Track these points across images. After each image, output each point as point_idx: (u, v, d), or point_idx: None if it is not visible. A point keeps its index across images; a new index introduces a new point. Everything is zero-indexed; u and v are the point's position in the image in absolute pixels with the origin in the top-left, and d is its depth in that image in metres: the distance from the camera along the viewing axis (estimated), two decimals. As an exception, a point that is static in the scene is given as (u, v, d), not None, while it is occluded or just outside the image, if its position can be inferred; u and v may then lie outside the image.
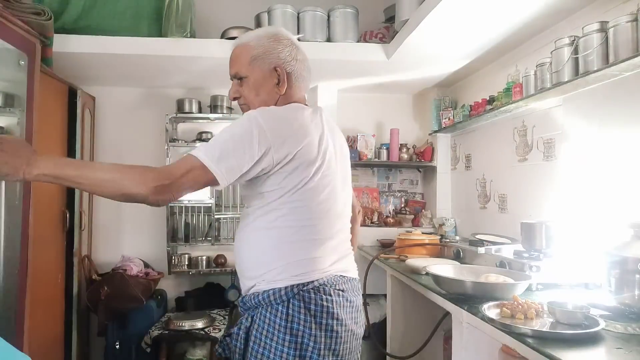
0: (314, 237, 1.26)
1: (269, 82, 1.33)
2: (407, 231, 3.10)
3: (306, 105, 1.38)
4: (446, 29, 2.33)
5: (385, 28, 3.01)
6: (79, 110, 3.02)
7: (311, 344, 1.20)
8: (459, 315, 1.61)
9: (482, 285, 1.66)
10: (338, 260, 1.31)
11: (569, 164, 2.13)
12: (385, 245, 3.15)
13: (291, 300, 1.22)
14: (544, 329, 1.27)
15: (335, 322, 1.23)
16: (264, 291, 1.24)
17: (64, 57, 2.65)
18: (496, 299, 1.54)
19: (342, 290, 1.28)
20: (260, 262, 1.27)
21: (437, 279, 1.78)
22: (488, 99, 2.68)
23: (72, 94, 3.01)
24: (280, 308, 1.22)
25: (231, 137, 1.17)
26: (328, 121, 1.37)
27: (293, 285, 1.22)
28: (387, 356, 2.76)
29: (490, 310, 1.44)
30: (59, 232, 2.82)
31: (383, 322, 3.00)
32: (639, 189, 1.72)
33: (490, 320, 1.37)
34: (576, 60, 1.84)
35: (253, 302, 1.27)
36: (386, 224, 3.47)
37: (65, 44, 2.59)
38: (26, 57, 2.18)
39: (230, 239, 3.44)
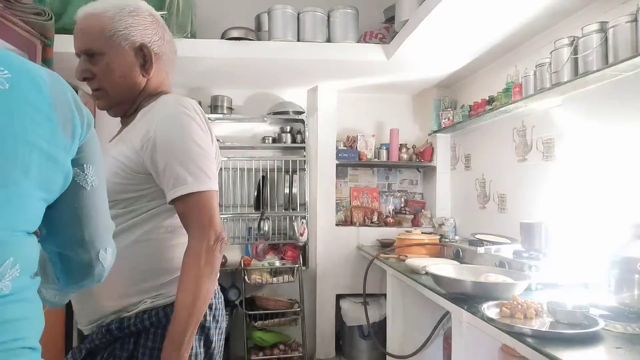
0: None
1: (132, 62, 1.10)
2: (407, 231, 3.10)
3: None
4: (446, 29, 2.34)
5: (385, 28, 3.01)
6: (79, 111, 3.02)
7: (215, 350, 1.12)
8: (459, 315, 1.61)
9: (481, 285, 1.66)
10: None
11: (569, 164, 2.14)
12: (385, 245, 3.15)
13: None
14: (544, 329, 1.27)
15: (224, 324, 1.18)
16: (165, 306, 1.05)
17: (65, 57, 2.62)
18: (496, 298, 1.54)
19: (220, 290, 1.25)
20: (159, 270, 1.07)
21: (437, 278, 1.78)
22: (488, 99, 2.68)
23: (72, 94, 3.01)
24: None
25: (195, 145, 1.03)
26: None
27: None
28: (387, 356, 2.77)
29: (490, 310, 1.44)
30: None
31: (383, 322, 3.00)
32: (638, 189, 1.73)
33: (490, 320, 1.37)
34: (575, 60, 1.84)
35: (145, 323, 1.04)
36: (386, 224, 3.48)
37: (66, 45, 2.56)
38: (27, 57, 2.18)
39: (230, 239, 3.44)
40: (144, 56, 1.11)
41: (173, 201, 1.03)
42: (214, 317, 1.13)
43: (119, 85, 1.11)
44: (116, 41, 1.08)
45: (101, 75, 1.10)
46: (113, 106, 1.15)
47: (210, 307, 1.12)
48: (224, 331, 1.18)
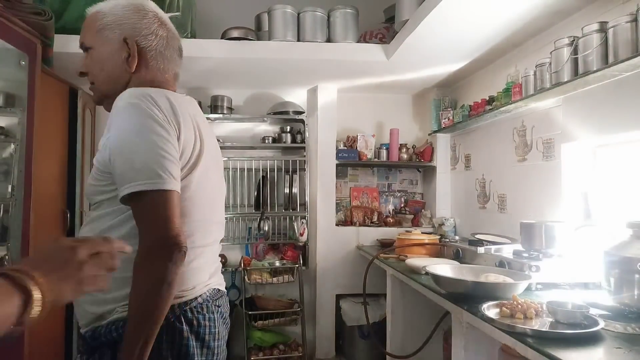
0: (192, 245, 1.02)
1: (116, 55, 1.09)
2: (407, 231, 3.10)
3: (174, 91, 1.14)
4: (446, 29, 2.34)
5: (385, 28, 3.01)
6: (79, 110, 3.02)
7: None
8: (459, 315, 1.61)
9: (482, 285, 1.66)
10: (215, 272, 1.16)
11: (568, 164, 2.14)
12: (385, 245, 3.15)
13: (173, 324, 0.99)
14: (544, 329, 1.27)
15: (216, 344, 1.07)
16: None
17: (65, 57, 2.64)
18: (496, 298, 1.54)
19: (219, 306, 1.13)
20: (128, 277, 0.94)
21: (437, 278, 1.78)
22: (488, 99, 2.68)
23: (72, 94, 3.01)
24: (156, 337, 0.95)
25: (138, 141, 0.95)
26: (202, 114, 1.19)
27: (174, 305, 0.98)
28: (387, 356, 2.76)
29: (490, 310, 1.44)
30: (59, 232, 2.82)
31: (383, 322, 3.00)
32: (638, 189, 1.73)
33: (490, 320, 1.37)
34: (575, 60, 1.84)
35: (113, 335, 0.98)
36: (386, 224, 3.48)
37: (66, 44, 2.59)
38: (27, 57, 2.19)
39: (230, 239, 3.44)
40: (128, 49, 1.10)
41: (126, 202, 0.95)
42: (197, 335, 1.02)
43: (103, 78, 1.12)
44: (103, 34, 1.10)
45: (91, 68, 1.13)
46: (102, 99, 1.16)
47: (197, 335, 1.02)
48: (218, 352, 1.08)
